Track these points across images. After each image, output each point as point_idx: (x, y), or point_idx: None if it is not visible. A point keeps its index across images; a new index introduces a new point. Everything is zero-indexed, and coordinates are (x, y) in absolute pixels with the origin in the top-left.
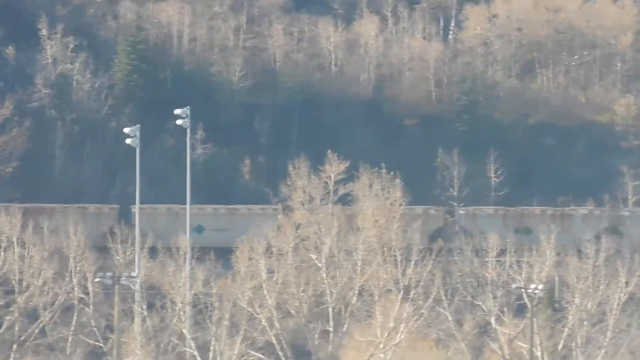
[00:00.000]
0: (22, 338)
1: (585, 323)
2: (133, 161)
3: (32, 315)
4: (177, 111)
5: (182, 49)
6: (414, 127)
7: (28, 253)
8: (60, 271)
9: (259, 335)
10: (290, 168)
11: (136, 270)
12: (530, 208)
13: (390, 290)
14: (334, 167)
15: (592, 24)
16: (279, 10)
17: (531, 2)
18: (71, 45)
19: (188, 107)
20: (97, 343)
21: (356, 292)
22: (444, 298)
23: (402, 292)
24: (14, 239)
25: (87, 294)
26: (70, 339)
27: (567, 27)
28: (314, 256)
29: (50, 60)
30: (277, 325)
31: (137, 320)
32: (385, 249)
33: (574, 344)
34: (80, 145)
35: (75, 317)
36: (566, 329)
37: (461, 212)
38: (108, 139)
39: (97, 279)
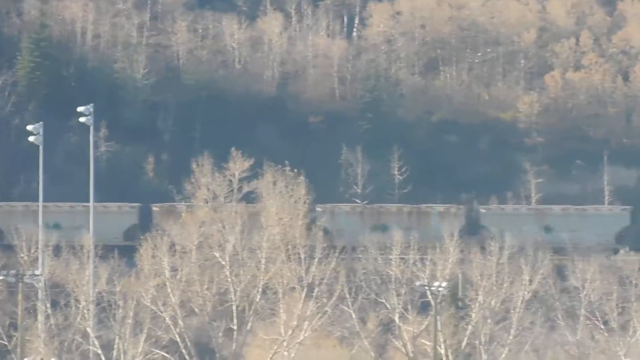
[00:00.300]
0: None
1: (489, 321)
2: (36, 159)
3: None
4: (80, 108)
5: (85, 46)
6: (318, 124)
7: None
8: None
9: (162, 334)
10: (194, 165)
11: (40, 268)
12: (387, 205)
13: (294, 288)
14: (238, 165)
15: (495, 20)
16: (183, 7)
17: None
18: None
19: (91, 104)
20: (0, 341)
21: (260, 290)
22: (347, 296)
23: (305, 290)
24: None
25: None
26: None
27: (471, 24)
28: (217, 254)
29: None
30: (180, 323)
31: (41, 318)
32: (289, 246)
33: (477, 342)
34: None
35: None
36: (470, 327)
37: (319, 209)
38: (11, 137)
39: (0, 277)
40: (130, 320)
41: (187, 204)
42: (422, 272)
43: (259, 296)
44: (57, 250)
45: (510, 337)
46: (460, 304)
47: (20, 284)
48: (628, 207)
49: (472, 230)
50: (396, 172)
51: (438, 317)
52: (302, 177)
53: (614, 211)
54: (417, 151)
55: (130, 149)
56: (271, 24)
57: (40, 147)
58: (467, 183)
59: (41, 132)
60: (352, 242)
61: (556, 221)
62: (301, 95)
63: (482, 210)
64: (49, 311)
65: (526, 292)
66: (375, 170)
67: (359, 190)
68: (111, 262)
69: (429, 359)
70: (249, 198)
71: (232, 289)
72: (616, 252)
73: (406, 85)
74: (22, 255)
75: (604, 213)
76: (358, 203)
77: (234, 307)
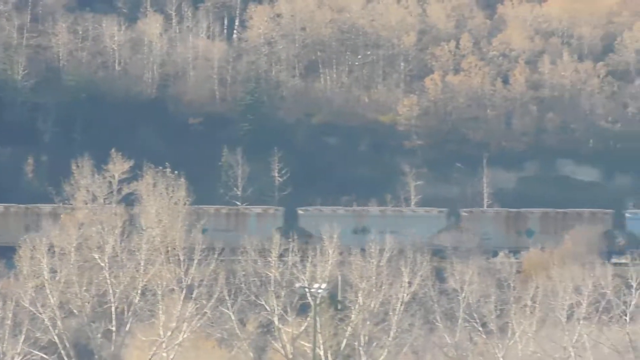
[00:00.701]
0: None
1: (368, 322)
2: None
3: None
4: None
5: None
6: (198, 126)
7: None
8: None
9: (41, 335)
10: (74, 167)
11: None
12: (204, 207)
13: (173, 289)
14: (118, 167)
15: (375, 23)
16: (63, 9)
17: (315, 1)
18: None
19: None
20: None
21: (139, 291)
22: (227, 298)
23: (185, 292)
24: None
25: None
26: None
27: (351, 27)
28: (97, 256)
29: None
30: (59, 324)
31: None
32: (168, 248)
33: (356, 343)
34: None
35: None
36: (349, 328)
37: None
38: None
39: None
40: (8, 322)
41: (66, 205)
42: (302, 273)
43: (138, 297)
44: None
45: (390, 339)
46: (339, 305)
47: None
48: (445, 209)
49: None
50: (276, 174)
51: (317, 319)
52: (182, 179)
53: (432, 213)
54: (297, 153)
55: (9, 150)
56: (151, 25)
57: None
58: (347, 185)
59: None
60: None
61: (373, 222)
62: (181, 97)
63: (300, 212)
64: None
65: (405, 294)
66: (255, 172)
67: (239, 192)
68: None
69: None
70: (129, 199)
71: (111, 291)
72: (495, 254)
73: (286, 87)
74: None
75: (421, 215)
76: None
77: (112, 309)
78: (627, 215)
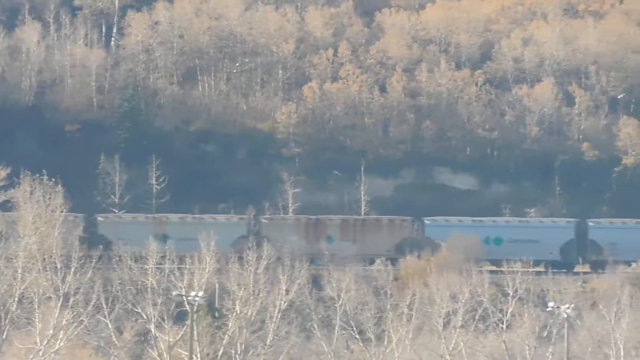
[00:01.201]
0: None
1: (245, 330)
2: None
3: None
4: None
5: None
6: (75, 133)
7: None
8: None
9: None
10: None
11: None
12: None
13: (50, 297)
14: None
15: (254, 31)
16: None
17: (193, 9)
18: None
19: None
20: None
21: (16, 299)
22: (104, 306)
23: (61, 300)
24: None
25: None
26: None
27: (229, 35)
28: None
29: None
30: None
31: None
32: (45, 256)
33: (233, 351)
34: None
35: None
36: (226, 336)
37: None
38: None
39: None
40: None
41: None
42: (179, 281)
43: (14, 305)
44: None
45: (266, 347)
46: (216, 313)
47: None
48: (245, 216)
49: (91, 239)
50: (154, 182)
51: (194, 327)
52: (59, 187)
53: (232, 220)
54: (176, 161)
55: None
56: (29, 33)
57: None
58: (226, 193)
59: None
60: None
61: (173, 230)
62: (59, 104)
63: (100, 219)
64: None
65: (282, 302)
66: (133, 180)
67: (116, 200)
68: None
69: None
70: (5, 207)
71: None
72: (372, 262)
73: (164, 94)
74: None
75: (222, 222)
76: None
77: None
78: (426, 221)
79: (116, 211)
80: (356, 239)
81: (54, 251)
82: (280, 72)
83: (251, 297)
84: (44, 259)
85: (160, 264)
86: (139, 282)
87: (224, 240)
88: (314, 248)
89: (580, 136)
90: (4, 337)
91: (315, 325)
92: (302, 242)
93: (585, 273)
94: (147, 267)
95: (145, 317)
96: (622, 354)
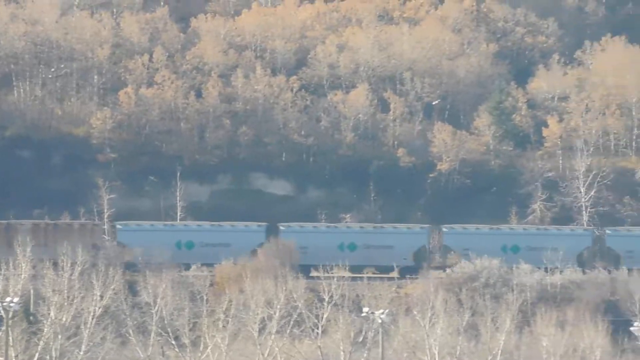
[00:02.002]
0: None
1: (60, 336)
2: None
3: None
4: None
5: None
6: None
7: None
8: None
9: None
10: None
11: None
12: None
13: None
14: None
15: (69, 37)
16: None
17: (8, 14)
18: None
19: None
20: None
21: None
22: None
23: None
24: None
25: None
26: None
27: (45, 40)
28: None
29: None
30: None
31: None
32: None
33: (49, 357)
34: None
35: None
36: (41, 342)
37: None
38: None
39: None
40: None
41: None
42: None
43: None
44: None
45: (81, 353)
46: (32, 319)
47: None
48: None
49: None
50: None
51: (10, 332)
52: None
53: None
54: None
55: None
56: None
57: None
58: (41, 199)
59: None
60: None
61: None
62: None
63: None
64: None
65: (97, 308)
66: None
67: None
68: None
69: None
70: None
71: None
72: (188, 267)
73: None
74: None
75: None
76: None
77: None
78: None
79: None
80: (47, 243)
81: None
82: (95, 77)
83: (65, 303)
84: None
85: None
86: None
87: None
88: (7, 253)
89: (395, 142)
90: None
91: (131, 331)
92: None
93: (399, 278)
94: None
95: None
96: (437, 359)
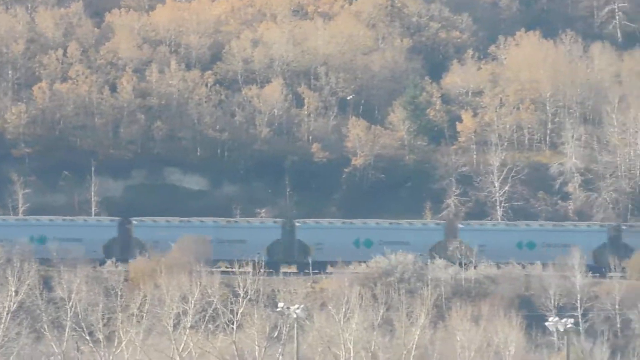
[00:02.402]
0: None
1: None
2: None
3: None
4: None
5: None
6: None
7: None
8: None
9: None
10: None
11: None
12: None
13: None
14: None
15: None
16: None
17: None
18: None
19: None
20: None
21: None
22: None
23: None
24: None
25: None
26: None
27: None
28: None
29: None
30: None
31: None
32: None
33: None
34: None
35: None
36: None
37: None
38: None
39: None
40: None
41: None
42: None
43: None
44: None
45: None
46: None
47: None
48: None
49: None
50: None
51: None
52: None
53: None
54: None
55: None
56: None
57: None
58: None
59: None
60: None
61: None
62: None
63: None
64: None
65: (12, 303)
66: None
67: None
68: None
69: None
70: None
71: None
72: (103, 263)
73: None
74: None
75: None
76: None
77: None
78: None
79: None
80: None
81: None
82: (10, 72)
83: None
84: None
85: None
86: None
87: None
88: None
89: (310, 137)
90: None
91: (46, 326)
92: None
93: (315, 273)
94: None
95: None
96: (351, 354)
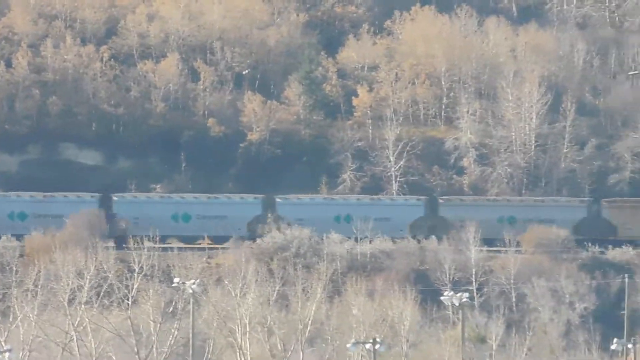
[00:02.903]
0: None
1: None
2: None
3: None
4: None
5: None
6: None
7: None
8: None
9: None
10: None
11: None
12: None
13: None
14: None
15: None
16: None
17: None
18: None
19: None
20: None
21: None
22: None
23: None
24: None
25: None
26: None
27: None
28: None
29: None
30: None
31: None
32: None
33: None
34: None
35: None
36: None
37: None
38: None
39: None
40: None
41: None
42: None
43: None
44: None
45: None
46: None
47: None
48: None
49: None
50: None
51: None
52: None
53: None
54: None
55: None
56: None
57: None
58: None
59: None
60: None
61: None
62: None
63: None
64: None
65: None
66: None
67: None
68: None
69: None
70: None
71: None
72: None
73: None
74: None
75: None
76: None
77: None
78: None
79: None
80: None
81: None
82: None
83: None
84: None
85: None
86: None
87: None
88: None
89: (206, 112)
90: None
91: None
92: None
93: (210, 249)
94: None
95: None
96: (247, 329)
